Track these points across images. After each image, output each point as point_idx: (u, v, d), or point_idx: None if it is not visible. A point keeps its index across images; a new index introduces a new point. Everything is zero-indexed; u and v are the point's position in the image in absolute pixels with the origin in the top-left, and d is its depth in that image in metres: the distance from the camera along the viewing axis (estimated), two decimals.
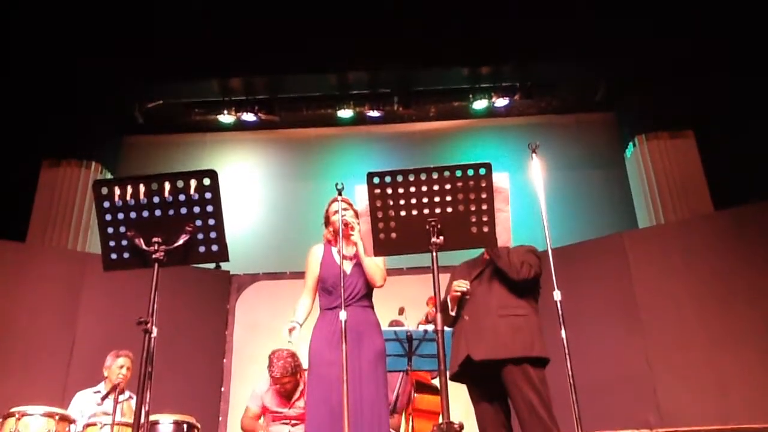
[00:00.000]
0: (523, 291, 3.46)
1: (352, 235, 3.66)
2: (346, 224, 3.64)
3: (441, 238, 2.76)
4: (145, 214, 2.74)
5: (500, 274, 3.47)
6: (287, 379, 4.68)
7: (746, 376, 5.36)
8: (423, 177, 2.79)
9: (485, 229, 2.83)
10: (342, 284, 3.46)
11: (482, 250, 3.64)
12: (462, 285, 3.49)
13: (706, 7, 6.87)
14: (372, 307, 3.71)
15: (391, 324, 5.18)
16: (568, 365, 2.95)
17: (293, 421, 4.70)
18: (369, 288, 3.68)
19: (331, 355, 3.47)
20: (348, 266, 3.71)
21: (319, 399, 3.45)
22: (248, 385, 5.84)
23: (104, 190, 2.75)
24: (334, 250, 3.77)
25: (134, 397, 4.30)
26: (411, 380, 4.77)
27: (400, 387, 4.80)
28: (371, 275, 3.63)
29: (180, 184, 2.72)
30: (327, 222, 3.84)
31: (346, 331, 3.27)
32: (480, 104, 8.01)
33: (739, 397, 5.28)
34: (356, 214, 3.72)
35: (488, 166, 2.78)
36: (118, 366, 4.76)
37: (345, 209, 3.71)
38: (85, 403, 4.68)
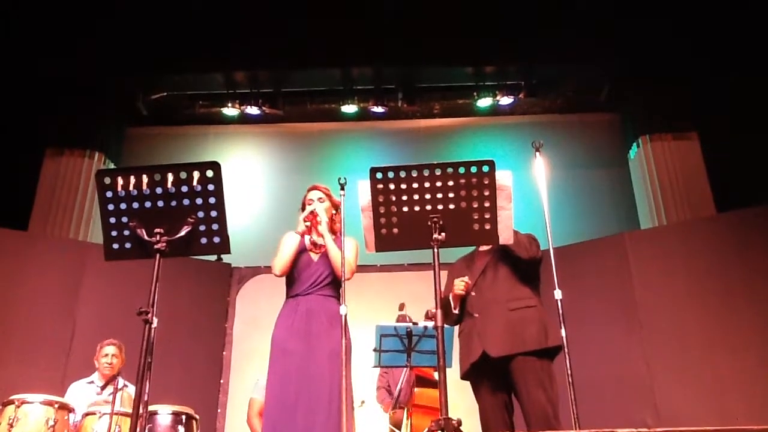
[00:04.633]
0: (527, 280, 3.47)
1: (319, 224, 3.63)
2: (314, 215, 3.64)
3: (443, 234, 2.76)
4: (148, 204, 2.74)
5: (505, 265, 3.47)
6: None
7: (745, 377, 5.36)
8: (426, 173, 2.79)
9: (487, 227, 2.83)
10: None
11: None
12: (461, 284, 3.49)
13: (713, 7, 6.84)
14: (337, 297, 3.57)
15: (399, 320, 5.17)
16: (568, 363, 2.96)
17: None
18: (335, 278, 3.59)
19: (289, 344, 3.46)
20: (315, 255, 3.68)
21: (274, 390, 3.42)
22: (248, 378, 5.86)
23: (107, 180, 2.76)
24: (307, 239, 3.74)
25: (129, 385, 4.35)
26: (413, 375, 4.77)
27: (402, 382, 4.80)
28: (335, 267, 3.56)
29: (183, 175, 2.72)
30: (303, 208, 3.79)
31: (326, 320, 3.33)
32: (484, 102, 7.99)
33: (738, 399, 5.28)
34: (334, 206, 3.73)
35: (491, 164, 2.78)
36: (103, 355, 4.81)
37: (320, 199, 3.72)
38: (79, 394, 4.70)
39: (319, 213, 3.65)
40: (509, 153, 7.31)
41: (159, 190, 2.73)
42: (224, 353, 6.81)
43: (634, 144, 7.74)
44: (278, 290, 3.77)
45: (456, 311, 3.56)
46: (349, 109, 8.07)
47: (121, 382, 4.38)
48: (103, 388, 4.76)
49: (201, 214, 2.75)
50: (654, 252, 6.12)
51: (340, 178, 3.51)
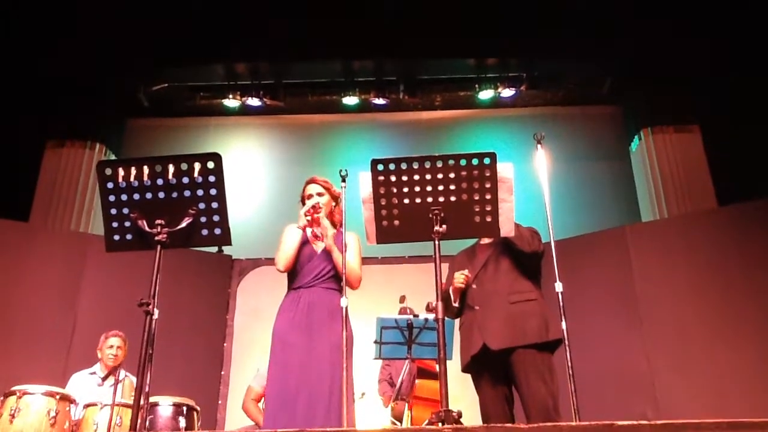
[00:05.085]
0: (529, 274, 3.48)
1: (324, 233, 3.54)
2: (316, 209, 3.53)
3: (444, 226, 2.77)
4: (149, 195, 2.75)
5: (506, 258, 3.47)
6: None
7: (745, 370, 5.37)
8: (427, 165, 2.79)
9: (488, 219, 2.83)
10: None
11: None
12: (461, 277, 3.49)
13: (715, 2, 6.81)
14: (339, 290, 3.45)
15: (400, 312, 5.18)
16: (568, 356, 2.95)
17: None
18: (338, 271, 3.50)
19: (290, 337, 3.43)
20: (318, 246, 3.63)
21: (275, 382, 3.40)
22: (248, 370, 5.87)
23: (108, 171, 2.76)
24: (309, 231, 3.67)
25: (130, 376, 4.36)
26: (414, 367, 4.77)
27: (404, 374, 4.81)
28: (341, 271, 3.43)
29: (184, 166, 2.72)
30: (302, 203, 3.70)
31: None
32: (486, 94, 7.99)
33: (738, 392, 5.29)
34: (334, 199, 3.68)
35: (493, 156, 2.78)
36: (108, 346, 4.81)
37: (319, 193, 3.66)
38: (81, 385, 4.71)
39: (325, 226, 3.56)
40: (510, 145, 7.29)
41: (160, 182, 2.74)
42: (225, 345, 6.82)
43: (636, 137, 7.73)
44: (279, 282, 3.76)
45: (456, 304, 3.56)
46: (351, 100, 8.05)
47: (122, 373, 4.39)
48: (104, 379, 4.77)
49: (202, 206, 2.75)
50: (655, 245, 6.12)
51: (341, 170, 3.49)
